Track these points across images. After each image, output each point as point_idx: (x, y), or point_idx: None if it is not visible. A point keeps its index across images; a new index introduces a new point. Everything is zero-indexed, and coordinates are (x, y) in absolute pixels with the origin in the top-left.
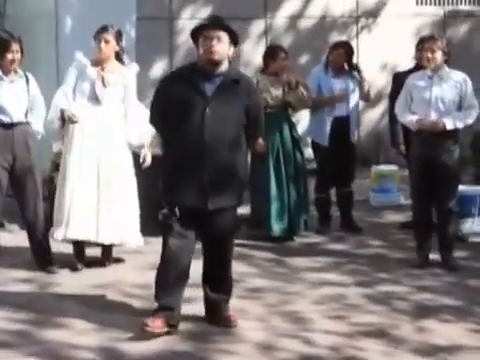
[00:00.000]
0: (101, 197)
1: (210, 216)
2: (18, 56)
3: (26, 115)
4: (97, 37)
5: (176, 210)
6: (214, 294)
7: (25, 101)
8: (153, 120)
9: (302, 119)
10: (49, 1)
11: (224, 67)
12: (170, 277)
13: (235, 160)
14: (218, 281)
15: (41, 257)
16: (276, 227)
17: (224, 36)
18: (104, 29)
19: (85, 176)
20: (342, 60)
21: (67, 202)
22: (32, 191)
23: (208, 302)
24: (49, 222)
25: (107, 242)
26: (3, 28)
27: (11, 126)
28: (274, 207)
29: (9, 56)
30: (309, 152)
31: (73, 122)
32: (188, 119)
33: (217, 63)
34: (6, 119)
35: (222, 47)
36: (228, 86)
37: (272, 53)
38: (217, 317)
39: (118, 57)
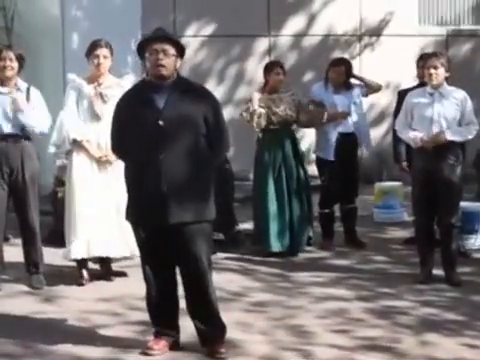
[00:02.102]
0: (111, 210)
1: (176, 233)
2: (11, 65)
3: (23, 129)
4: (92, 53)
5: (140, 232)
6: (196, 322)
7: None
8: (114, 147)
9: (307, 135)
10: (55, 18)
11: (172, 79)
12: (158, 307)
13: (195, 171)
14: (197, 309)
15: (33, 272)
16: (275, 244)
17: (170, 49)
18: (98, 45)
19: (95, 192)
20: (343, 78)
21: (81, 221)
22: (30, 205)
23: (197, 331)
24: (53, 236)
25: (120, 255)
26: (10, 44)
27: (4, 139)
28: (274, 224)
29: (0, 64)
30: (313, 169)
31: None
32: (142, 134)
33: (165, 77)
34: None
35: (168, 61)
36: (179, 97)
37: (268, 68)
38: (205, 347)
39: (109, 71)
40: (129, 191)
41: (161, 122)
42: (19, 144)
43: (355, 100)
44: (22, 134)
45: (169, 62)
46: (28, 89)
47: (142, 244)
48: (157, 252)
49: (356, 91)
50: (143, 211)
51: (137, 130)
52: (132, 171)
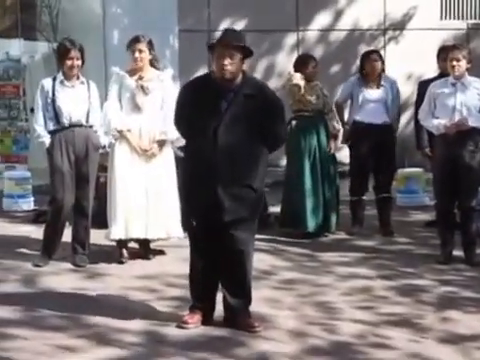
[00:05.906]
0: (149, 195)
1: (227, 227)
2: (77, 63)
3: (87, 119)
4: (131, 48)
5: (192, 221)
6: (233, 299)
7: (85, 105)
8: (178, 124)
9: None
10: (97, 16)
11: (238, 81)
12: (200, 289)
13: (250, 173)
14: (236, 287)
15: (79, 252)
16: (312, 223)
17: (237, 53)
18: (136, 40)
19: (135, 177)
20: (378, 69)
21: (121, 205)
22: (87, 191)
23: (227, 307)
24: (96, 219)
25: (157, 237)
26: (55, 39)
27: (71, 127)
28: (310, 204)
29: (68, 62)
30: (340, 155)
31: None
32: (202, 133)
33: (229, 80)
34: (65, 121)
35: (234, 65)
36: (241, 101)
37: (303, 61)
38: (238, 322)
39: (152, 64)
40: (185, 181)
41: (221, 126)
42: (84, 133)
43: (390, 95)
44: (87, 124)
45: (234, 66)
46: (88, 82)
47: (193, 230)
48: (207, 237)
49: (393, 86)
50: (199, 205)
51: (198, 126)
52: (189, 164)
